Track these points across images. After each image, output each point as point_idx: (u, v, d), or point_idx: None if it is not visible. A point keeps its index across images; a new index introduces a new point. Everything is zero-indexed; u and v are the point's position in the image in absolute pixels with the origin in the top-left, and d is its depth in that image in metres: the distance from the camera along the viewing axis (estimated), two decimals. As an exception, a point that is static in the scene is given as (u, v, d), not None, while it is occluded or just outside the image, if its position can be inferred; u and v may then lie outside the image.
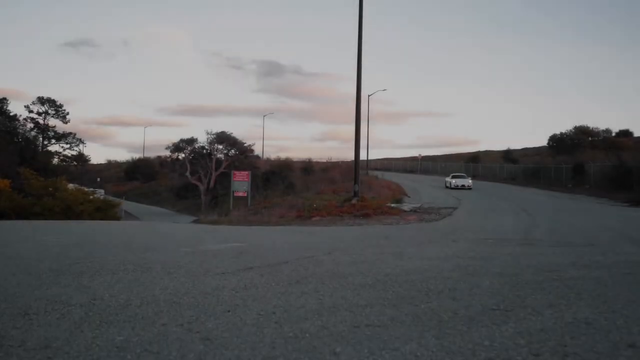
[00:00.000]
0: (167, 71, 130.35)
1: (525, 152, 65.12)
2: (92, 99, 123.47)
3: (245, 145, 48.24)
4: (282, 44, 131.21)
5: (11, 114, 57.36)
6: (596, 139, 52.45)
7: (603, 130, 55.05)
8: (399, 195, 26.81)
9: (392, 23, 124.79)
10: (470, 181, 35.94)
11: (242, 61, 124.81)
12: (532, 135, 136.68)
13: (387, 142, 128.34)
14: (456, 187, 34.51)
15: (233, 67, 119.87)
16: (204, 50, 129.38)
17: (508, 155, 58.44)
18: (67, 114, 66.84)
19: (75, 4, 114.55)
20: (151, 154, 77.80)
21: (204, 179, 46.07)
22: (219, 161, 46.71)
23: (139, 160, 75.40)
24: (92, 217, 22.56)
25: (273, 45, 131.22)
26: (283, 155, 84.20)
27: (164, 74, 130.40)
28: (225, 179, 41.84)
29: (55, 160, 63.93)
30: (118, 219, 25.88)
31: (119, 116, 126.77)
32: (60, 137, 66.84)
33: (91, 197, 25.83)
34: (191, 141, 48.15)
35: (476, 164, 58.20)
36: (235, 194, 31.58)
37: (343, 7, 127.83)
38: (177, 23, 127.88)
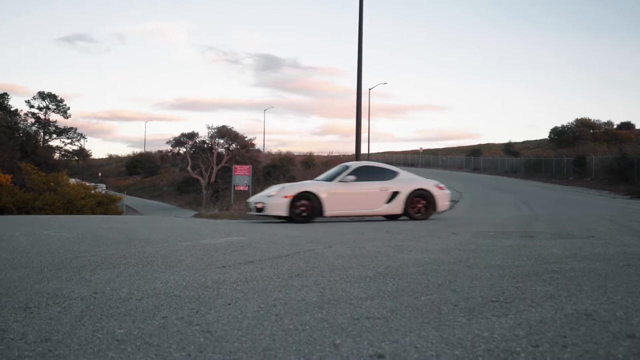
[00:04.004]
0: (165, 66, 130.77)
1: (527, 144, 65.16)
2: (91, 94, 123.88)
3: (246, 139, 48.28)
4: (278, 38, 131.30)
5: (12, 109, 57.42)
6: (598, 131, 52.37)
7: (604, 123, 54.96)
8: (400, 188, 26.81)
9: (392, 16, 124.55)
10: None
11: (239, 55, 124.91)
12: (534, 128, 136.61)
13: (388, 136, 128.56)
14: None
15: (230, 61, 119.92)
16: (200, 45, 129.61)
17: (509, 148, 58.43)
18: (68, 108, 67.01)
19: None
20: (152, 149, 78.02)
21: (205, 173, 46.15)
22: (220, 155, 46.79)
23: (140, 154, 75.52)
24: (93, 212, 22.65)
25: (270, 39, 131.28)
26: (284, 149, 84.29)
27: (161, 68, 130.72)
28: (226, 173, 41.94)
29: (57, 155, 64.13)
30: (119, 213, 25.95)
31: (119, 111, 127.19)
32: (61, 132, 66.95)
33: (92, 191, 25.89)
34: (192, 135, 48.24)
35: (477, 157, 58.20)
36: (236, 188, 31.64)
37: (340, 0, 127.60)
38: (172, 17, 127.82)
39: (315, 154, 55.45)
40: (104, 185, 46.09)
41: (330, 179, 11.74)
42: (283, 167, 43.08)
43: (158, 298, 3.15)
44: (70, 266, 4.45)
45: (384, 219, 12.99)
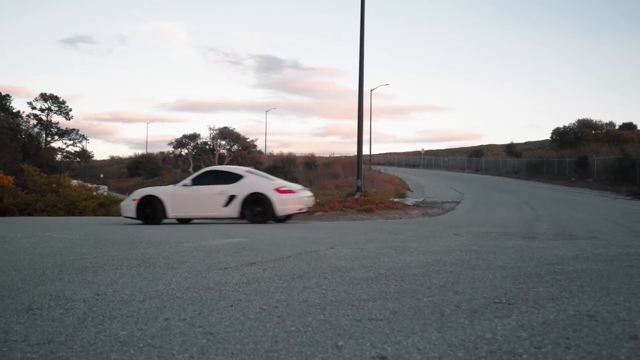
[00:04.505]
0: (166, 67, 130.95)
1: (529, 145, 65.14)
2: (92, 96, 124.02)
3: (247, 140, 48.35)
4: (279, 38, 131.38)
5: (14, 110, 57.57)
6: (599, 132, 52.29)
7: (606, 124, 54.90)
8: (401, 189, 26.83)
9: (393, 16, 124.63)
10: None
11: (240, 56, 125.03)
12: (535, 128, 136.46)
13: (389, 137, 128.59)
14: None
15: (231, 62, 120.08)
16: (201, 46, 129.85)
17: (511, 149, 58.41)
18: (70, 110, 67.21)
19: (70, 0, 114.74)
20: (154, 150, 78.06)
21: (206, 174, 46.06)
22: (221, 156, 46.83)
23: (142, 156, 75.48)
24: (95, 213, 22.69)
25: (270, 39, 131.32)
26: (285, 150, 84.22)
27: (162, 69, 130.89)
28: (228, 174, 41.85)
29: (59, 157, 64.30)
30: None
31: (120, 112, 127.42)
32: (63, 133, 67.09)
33: (94, 193, 25.92)
34: (194, 137, 48.35)
35: (479, 158, 58.13)
36: (238, 189, 31.59)
37: (341, 1, 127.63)
38: (173, 17, 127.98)
39: (317, 155, 55.52)
40: (105, 187, 46.10)
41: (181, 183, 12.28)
42: (285, 168, 43.09)
43: (160, 300, 3.15)
44: (73, 268, 4.46)
45: (387, 219, 12.99)
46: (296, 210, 11.57)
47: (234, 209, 11.27)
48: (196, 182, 11.79)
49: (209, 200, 11.43)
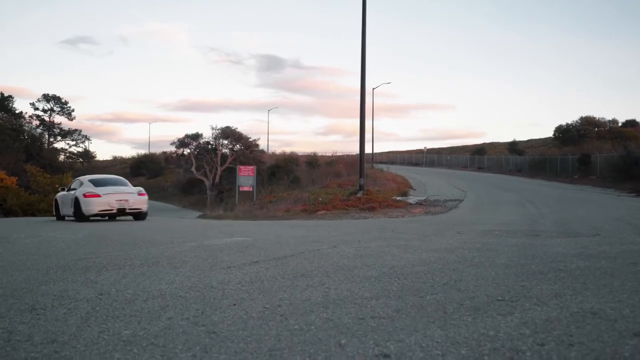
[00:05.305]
0: (168, 67, 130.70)
1: (531, 143, 64.92)
2: (94, 96, 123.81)
3: (250, 140, 48.30)
4: (279, 38, 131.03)
5: (17, 111, 57.66)
6: (602, 129, 52.06)
7: (609, 121, 54.62)
8: (404, 188, 26.77)
9: (393, 14, 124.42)
10: None
11: (241, 56, 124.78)
12: (538, 126, 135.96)
13: (392, 135, 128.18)
14: None
15: (232, 62, 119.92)
16: (202, 46, 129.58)
17: (514, 147, 58.19)
18: (72, 110, 67.17)
19: (71, 1, 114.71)
20: (156, 150, 78.04)
21: (209, 174, 46.19)
22: (224, 156, 46.81)
23: (144, 156, 75.51)
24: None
25: (271, 39, 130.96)
26: (288, 149, 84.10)
27: (164, 70, 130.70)
28: (230, 174, 41.95)
29: (61, 157, 64.29)
30: (124, 214, 25.96)
31: (123, 112, 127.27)
32: (66, 134, 67.10)
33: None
34: (196, 136, 48.26)
35: (482, 156, 58.01)
36: (240, 189, 31.64)
37: (341, 0, 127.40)
38: (173, 18, 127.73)
39: (319, 154, 55.42)
40: (108, 187, 46.07)
41: None
42: (287, 168, 43.05)
43: (163, 299, 3.16)
44: (76, 268, 4.47)
45: (389, 218, 13.01)
46: (97, 211, 13.70)
47: (71, 209, 14.07)
48: (68, 189, 15.02)
49: (67, 203, 14.47)
